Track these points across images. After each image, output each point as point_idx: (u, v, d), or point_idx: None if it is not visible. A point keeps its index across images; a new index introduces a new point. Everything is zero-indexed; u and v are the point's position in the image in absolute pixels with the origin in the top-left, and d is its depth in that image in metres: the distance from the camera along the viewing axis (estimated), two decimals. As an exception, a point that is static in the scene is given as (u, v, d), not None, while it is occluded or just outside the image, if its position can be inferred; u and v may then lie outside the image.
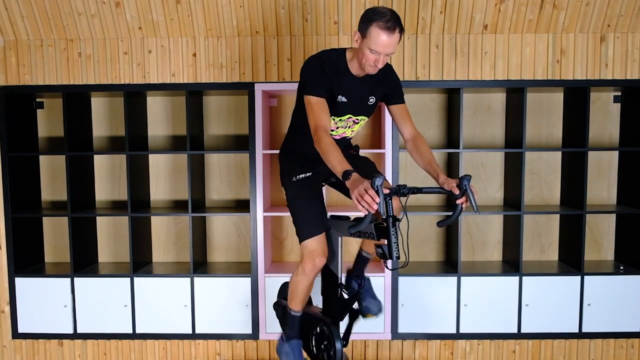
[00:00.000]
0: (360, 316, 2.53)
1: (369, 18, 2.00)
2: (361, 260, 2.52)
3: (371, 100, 2.29)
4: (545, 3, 3.17)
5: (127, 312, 3.37)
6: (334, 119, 2.22)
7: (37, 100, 3.63)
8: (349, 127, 2.32)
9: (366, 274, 2.55)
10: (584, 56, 3.33)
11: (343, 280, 2.46)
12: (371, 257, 2.51)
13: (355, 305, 2.53)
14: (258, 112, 3.24)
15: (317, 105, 2.09)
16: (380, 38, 1.98)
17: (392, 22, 1.98)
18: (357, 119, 2.31)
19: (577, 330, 3.33)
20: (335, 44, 3.32)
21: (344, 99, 2.20)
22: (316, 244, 2.22)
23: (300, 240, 2.25)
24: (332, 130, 2.23)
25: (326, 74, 2.13)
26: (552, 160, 3.63)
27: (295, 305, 2.36)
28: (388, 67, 2.29)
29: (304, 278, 2.26)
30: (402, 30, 2.02)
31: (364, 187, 1.77)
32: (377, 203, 1.75)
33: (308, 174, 2.32)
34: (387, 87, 2.28)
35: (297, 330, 2.40)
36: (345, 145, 2.39)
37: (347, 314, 2.52)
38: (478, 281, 3.31)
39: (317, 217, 2.28)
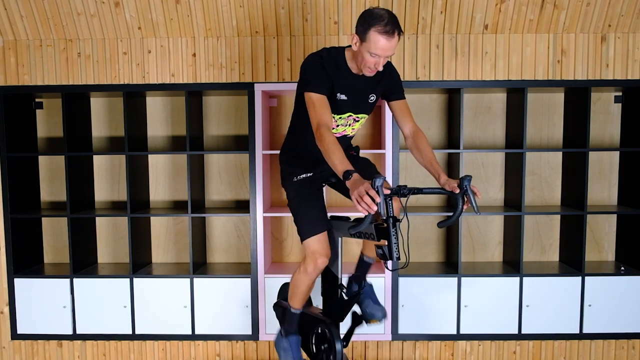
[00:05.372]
0: (364, 322, 2.50)
1: (368, 22, 1.99)
2: (363, 265, 2.50)
3: (372, 98, 2.28)
4: (546, 3, 3.16)
5: (126, 312, 3.36)
6: (334, 117, 2.21)
7: (36, 100, 3.62)
8: (349, 125, 2.32)
9: (367, 277, 2.54)
10: (584, 56, 3.32)
11: (344, 282, 2.45)
12: (373, 262, 2.49)
13: (359, 311, 2.51)
14: (258, 113, 3.23)
15: (318, 103, 2.08)
16: (380, 43, 1.98)
17: (391, 25, 1.97)
18: (358, 117, 2.30)
19: (577, 331, 3.32)
20: (335, 43, 3.31)
21: (343, 97, 2.19)
22: (318, 243, 2.20)
23: (302, 240, 2.24)
24: (333, 129, 2.22)
25: (326, 71, 2.12)
26: (552, 161, 3.62)
27: (295, 303, 2.36)
28: (387, 64, 2.29)
29: (305, 278, 2.25)
30: (400, 32, 2.01)
31: (364, 188, 1.76)
32: (377, 204, 1.74)
33: (309, 174, 2.31)
34: (387, 83, 2.27)
35: (295, 327, 2.40)
36: (346, 145, 2.38)
37: (351, 317, 2.51)
38: (478, 282, 3.30)
39: (319, 216, 2.27)
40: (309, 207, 2.28)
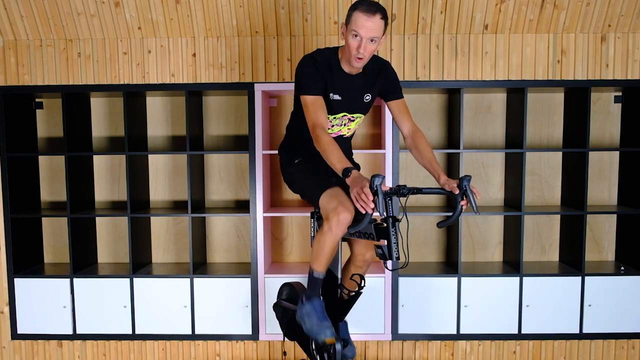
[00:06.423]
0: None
1: (352, 6, 2.07)
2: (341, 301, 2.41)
3: (367, 97, 2.28)
4: (546, 3, 3.16)
5: (126, 312, 3.36)
6: (328, 117, 2.21)
7: (37, 100, 3.62)
8: (345, 124, 2.32)
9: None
10: (584, 56, 3.32)
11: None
12: (347, 295, 2.42)
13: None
14: (258, 113, 3.23)
15: (313, 104, 2.10)
16: (361, 20, 2.02)
17: (374, 6, 2.02)
18: (353, 117, 2.31)
19: (577, 331, 3.32)
20: (335, 43, 3.31)
21: (337, 97, 2.20)
22: (335, 198, 2.06)
23: (317, 200, 2.11)
24: (328, 129, 2.22)
25: (319, 71, 2.13)
26: (552, 161, 3.62)
27: (319, 266, 2.14)
28: (384, 63, 2.30)
29: (330, 236, 2.04)
30: (384, 17, 2.05)
31: (361, 186, 1.77)
32: (373, 202, 1.74)
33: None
34: (383, 82, 2.27)
35: (319, 291, 2.19)
36: (345, 148, 2.37)
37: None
38: (478, 282, 3.30)
39: (328, 175, 2.16)
40: (316, 171, 2.22)
